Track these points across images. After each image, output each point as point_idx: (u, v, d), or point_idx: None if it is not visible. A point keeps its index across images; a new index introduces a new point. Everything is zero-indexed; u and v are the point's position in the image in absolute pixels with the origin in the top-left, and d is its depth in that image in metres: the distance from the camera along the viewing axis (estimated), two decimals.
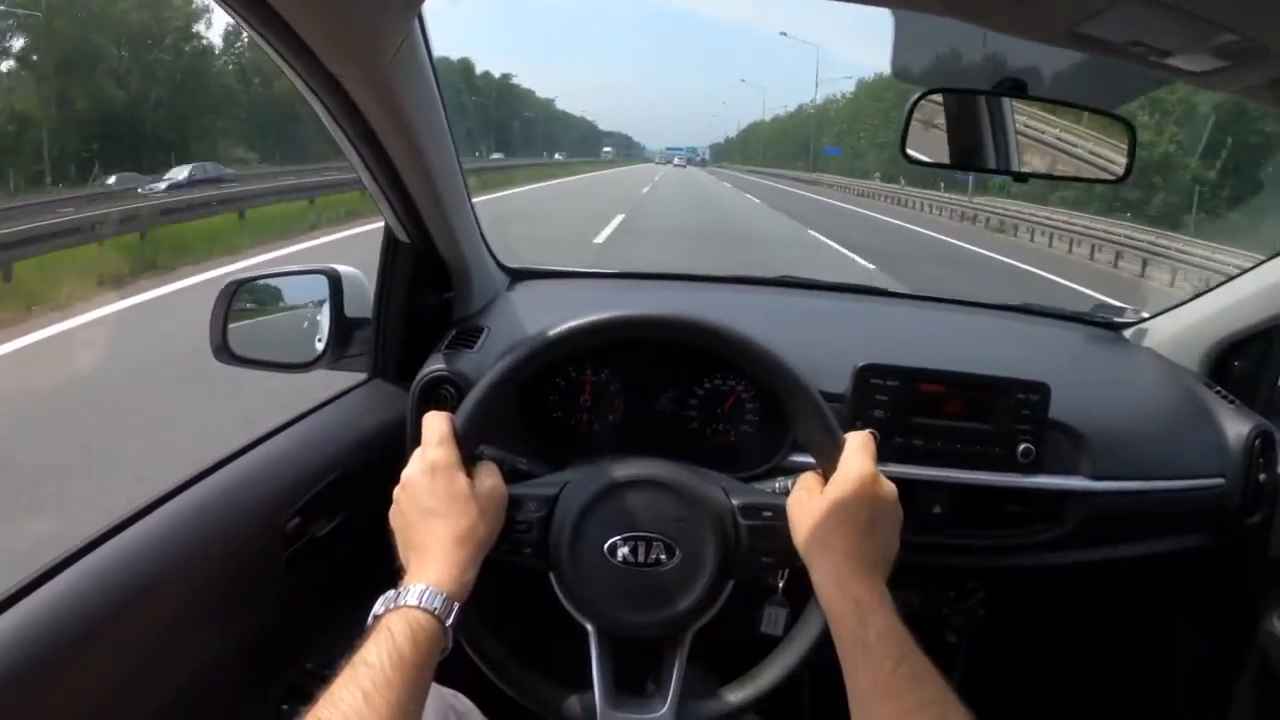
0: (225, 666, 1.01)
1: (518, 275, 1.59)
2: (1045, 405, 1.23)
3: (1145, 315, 1.64)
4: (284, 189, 16.86)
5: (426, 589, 0.78)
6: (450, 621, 0.77)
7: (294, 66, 0.86)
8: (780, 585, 1.00)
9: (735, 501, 0.92)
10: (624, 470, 0.93)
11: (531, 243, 8.80)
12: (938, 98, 1.11)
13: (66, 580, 0.84)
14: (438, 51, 1.05)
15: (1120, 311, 1.70)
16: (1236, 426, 1.33)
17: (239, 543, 1.03)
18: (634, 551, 0.89)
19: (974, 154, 1.15)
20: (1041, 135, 1.16)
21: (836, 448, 0.89)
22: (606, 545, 0.89)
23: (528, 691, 0.90)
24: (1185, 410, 1.38)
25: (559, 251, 10.65)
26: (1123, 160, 1.16)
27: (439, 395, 1.22)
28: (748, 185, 41.27)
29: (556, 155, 77.17)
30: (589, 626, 0.92)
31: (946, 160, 1.13)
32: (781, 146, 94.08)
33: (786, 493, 0.92)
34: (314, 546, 1.13)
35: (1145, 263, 13.45)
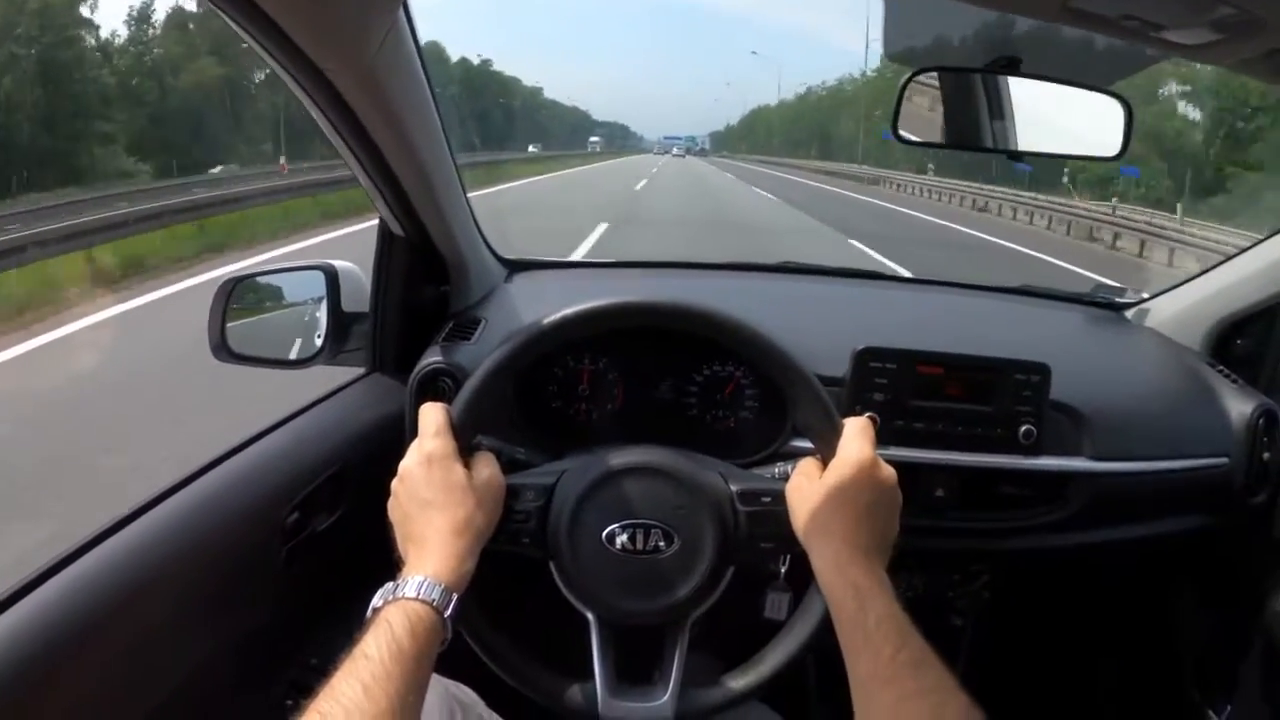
0: (225, 662, 1.01)
1: (515, 266, 1.59)
2: (1046, 386, 1.22)
3: (1146, 295, 1.63)
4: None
5: (425, 580, 0.78)
6: (449, 613, 0.77)
7: (279, 61, 0.86)
8: (783, 570, 1.00)
9: (734, 487, 0.92)
10: (621, 458, 0.92)
11: None
12: (932, 77, 1.10)
13: (68, 576, 0.84)
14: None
15: (1121, 292, 1.69)
16: (1239, 405, 1.33)
17: (238, 538, 1.03)
18: (632, 539, 0.89)
19: (970, 133, 1.14)
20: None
21: (835, 433, 0.89)
22: (605, 533, 0.89)
23: (529, 681, 0.91)
24: (1188, 390, 1.38)
25: None
26: (1119, 137, 1.15)
27: (437, 387, 1.22)
28: (756, 179, 34.99)
29: (531, 148, 65.59)
30: (589, 615, 0.92)
31: (941, 140, 1.12)
32: (790, 133, 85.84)
33: (786, 478, 0.92)
34: (313, 541, 1.13)
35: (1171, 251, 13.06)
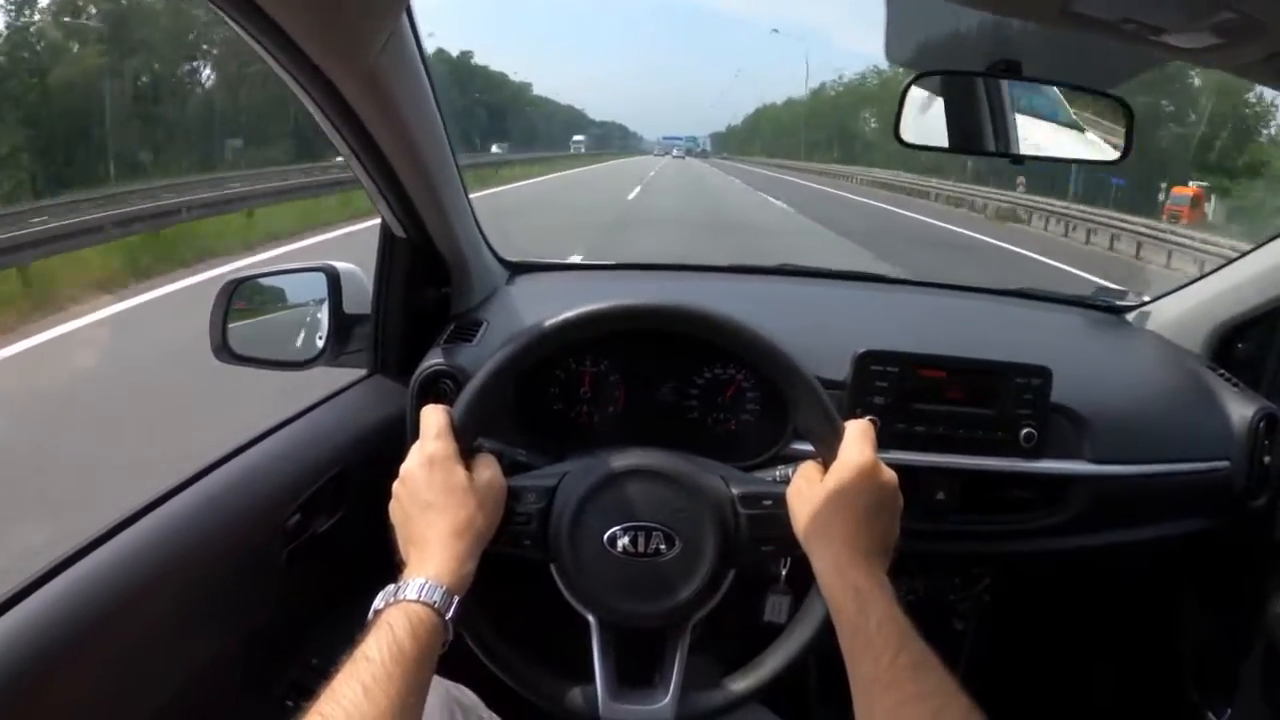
0: (227, 663, 1.01)
1: (517, 269, 1.59)
2: (1047, 389, 1.22)
3: (1147, 298, 1.63)
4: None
5: (426, 582, 0.78)
6: (450, 615, 0.77)
7: (281, 62, 0.86)
8: (783, 574, 1.00)
9: (735, 490, 0.92)
10: (622, 461, 0.92)
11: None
12: (934, 81, 1.11)
13: (70, 577, 0.84)
14: None
15: (1122, 295, 1.69)
16: (1240, 409, 1.33)
17: (240, 539, 1.03)
18: (634, 542, 0.89)
19: (972, 137, 1.14)
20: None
21: (836, 436, 0.89)
22: (606, 536, 0.89)
23: (530, 684, 0.91)
24: (1189, 393, 1.38)
25: None
26: (1120, 142, 1.15)
27: (438, 389, 1.22)
28: (768, 185, 30.02)
29: (495, 149, 53.02)
30: (590, 617, 0.92)
31: (943, 144, 1.12)
32: (803, 134, 73.82)
33: (787, 481, 0.92)
34: (315, 543, 1.13)
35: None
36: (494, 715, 1.06)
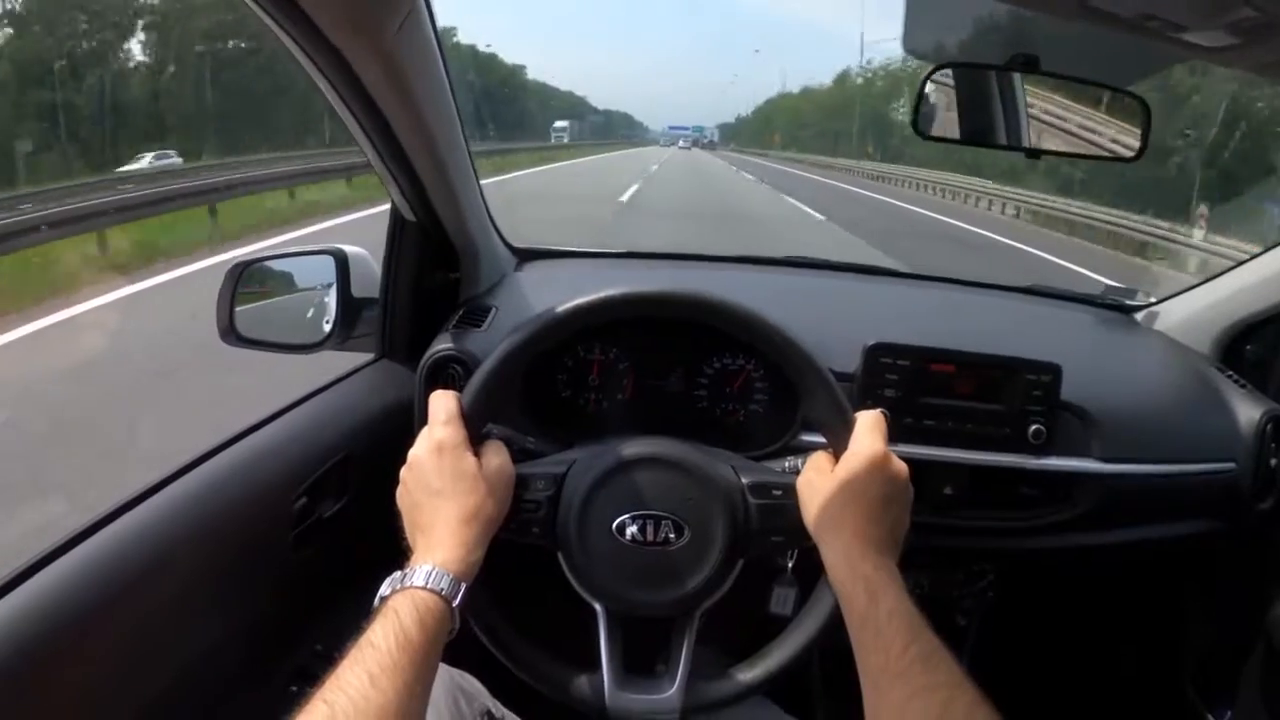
0: (232, 647, 1.01)
1: (526, 255, 1.59)
2: (1057, 386, 1.22)
3: (1156, 299, 1.63)
4: None
5: (433, 570, 0.77)
6: (457, 602, 0.77)
7: (296, 40, 0.85)
8: (789, 565, 1.00)
9: (745, 480, 0.92)
10: (632, 449, 0.92)
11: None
12: (950, 74, 1.10)
13: (75, 558, 0.84)
14: None
15: (1131, 294, 1.68)
16: (1248, 411, 1.32)
17: (246, 522, 1.03)
18: (642, 530, 0.88)
19: (987, 130, 1.14)
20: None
21: (847, 426, 0.89)
22: (615, 524, 0.89)
23: (537, 672, 0.90)
24: (1196, 394, 1.37)
25: None
26: (1136, 140, 1.14)
27: (447, 374, 1.22)
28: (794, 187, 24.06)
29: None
30: (598, 606, 0.91)
31: (957, 136, 1.12)
32: (826, 124, 65.07)
33: (797, 472, 0.92)
34: (321, 527, 1.13)
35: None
36: (497, 702, 1.06)
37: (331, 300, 1.31)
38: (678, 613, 0.91)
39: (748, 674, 0.90)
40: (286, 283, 1.39)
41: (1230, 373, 1.42)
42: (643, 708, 0.89)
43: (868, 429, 0.88)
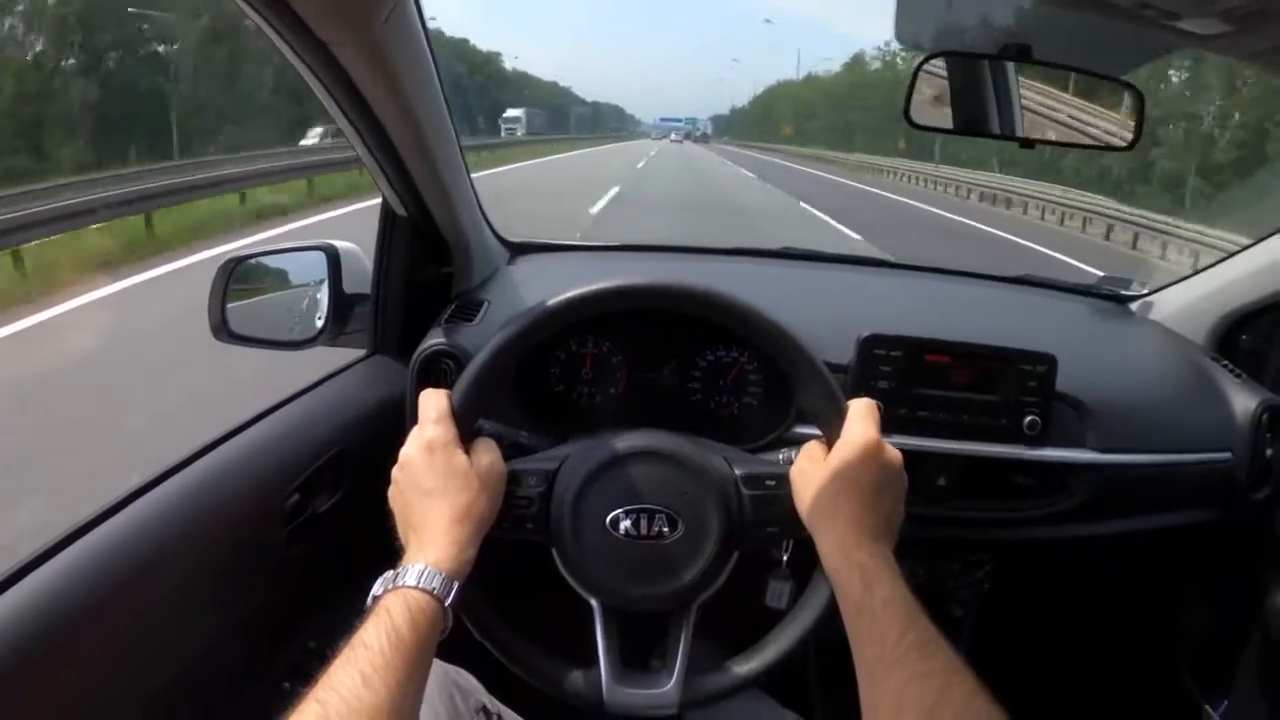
0: (227, 644, 1.00)
1: (518, 249, 1.58)
2: (1052, 377, 1.22)
3: (1151, 289, 1.63)
4: None
5: (425, 569, 0.77)
6: (450, 601, 0.77)
7: (283, 35, 0.85)
8: (784, 558, 1.00)
9: (738, 471, 0.91)
10: (624, 442, 0.92)
11: None
12: (942, 63, 1.09)
13: (68, 557, 0.83)
14: None
15: (1126, 284, 1.68)
16: (1244, 401, 1.32)
17: (239, 519, 1.03)
18: (636, 524, 0.88)
19: (980, 120, 1.13)
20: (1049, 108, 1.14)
21: (839, 415, 0.88)
22: (608, 519, 0.88)
23: (533, 668, 0.90)
24: (1192, 384, 1.37)
25: None
26: (1130, 130, 1.14)
27: (439, 370, 1.22)
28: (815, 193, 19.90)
29: (310, 138, 22.09)
30: (593, 601, 0.91)
31: (950, 126, 1.11)
32: (838, 115, 56.73)
33: (791, 463, 0.91)
34: (314, 523, 1.13)
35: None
36: (494, 699, 1.06)
37: (324, 296, 1.30)
38: (673, 606, 0.91)
39: (744, 667, 0.90)
40: (278, 279, 1.38)
41: (1226, 362, 1.42)
42: (640, 702, 0.89)
43: (860, 417, 0.87)
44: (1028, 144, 1.14)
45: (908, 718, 0.70)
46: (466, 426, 0.88)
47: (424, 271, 1.35)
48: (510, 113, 59.53)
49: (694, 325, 1.02)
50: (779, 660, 0.90)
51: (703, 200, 18.32)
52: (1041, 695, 1.59)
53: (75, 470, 3.27)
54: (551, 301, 0.92)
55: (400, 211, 1.28)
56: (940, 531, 1.27)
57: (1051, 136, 1.16)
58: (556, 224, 10.59)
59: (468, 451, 0.86)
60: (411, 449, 0.86)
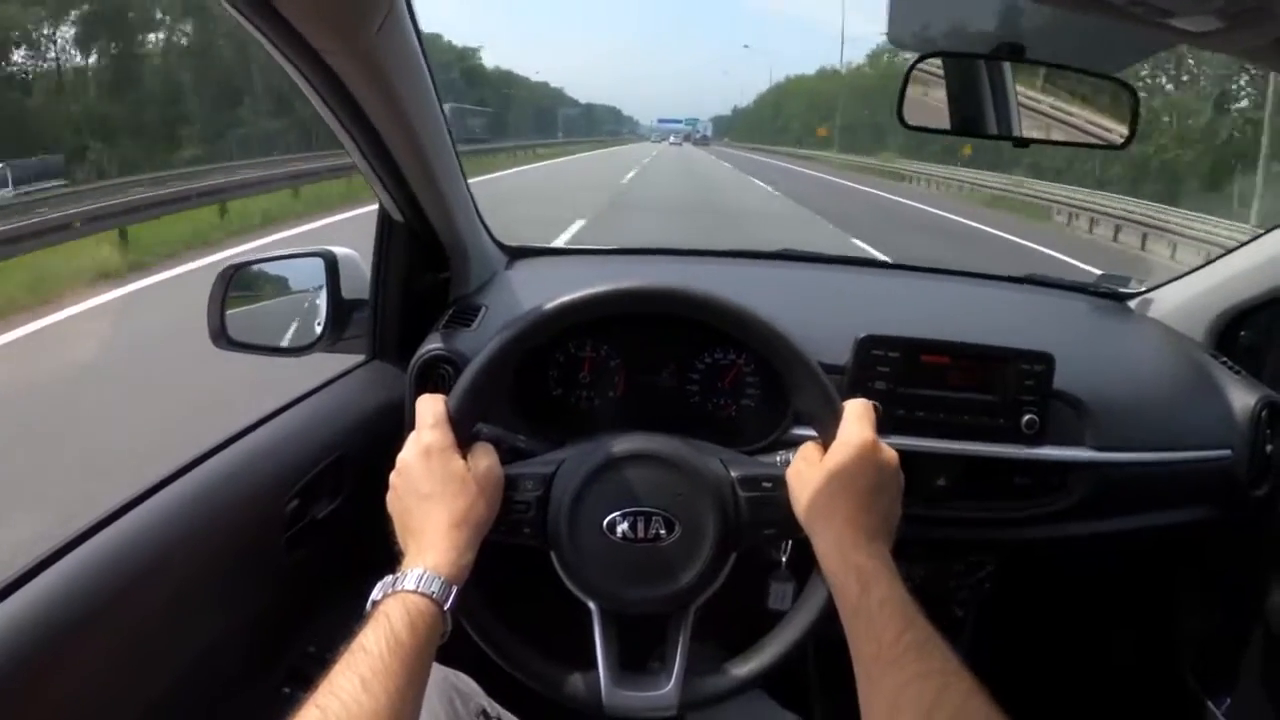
0: (226, 649, 1.01)
1: (516, 254, 1.58)
2: (1050, 376, 1.22)
3: (1150, 286, 1.63)
4: None
5: (424, 573, 0.77)
6: (448, 605, 0.77)
7: (276, 43, 0.85)
8: (784, 559, 0.99)
9: (734, 473, 0.91)
10: (620, 446, 0.92)
11: None
12: (936, 63, 1.10)
13: (68, 564, 0.83)
14: None
15: (1125, 282, 1.68)
16: (1243, 397, 1.32)
17: (239, 525, 1.03)
18: (633, 527, 0.88)
19: (975, 120, 1.13)
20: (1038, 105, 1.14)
21: (835, 416, 0.88)
22: (605, 522, 0.88)
23: (532, 672, 0.90)
24: (1191, 381, 1.37)
25: None
26: (1124, 127, 1.14)
27: (437, 375, 1.22)
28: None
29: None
30: (591, 605, 0.91)
31: (946, 126, 1.11)
32: (860, 115, 47.26)
33: (787, 464, 0.91)
34: (314, 529, 1.13)
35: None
36: (492, 702, 1.06)
37: (322, 303, 1.30)
38: (672, 609, 0.91)
39: (743, 668, 0.90)
40: (277, 286, 1.39)
41: (1225, 359, 1.42)
42: (639, 704, 0.89)
43: (855, 417, 0.87)
44: (1023, 143, 1.14)
45: (905, 718, 0.70)
46: (464, 431, 0.88)
47: (422, 277, 1.36)
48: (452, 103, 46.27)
49: (692, 328, 1.02)
50: (777, 662, 0.90)
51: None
52: (1044, 695, 1.59)
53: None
54: (548, 305, 0.92)
55: (397, 217, 1.29)
56: (940, 532, 1.27)
57: (1047, 135, 1.16)
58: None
59: (465, 456, 0.86)
60: (409, 454, 0.86)
